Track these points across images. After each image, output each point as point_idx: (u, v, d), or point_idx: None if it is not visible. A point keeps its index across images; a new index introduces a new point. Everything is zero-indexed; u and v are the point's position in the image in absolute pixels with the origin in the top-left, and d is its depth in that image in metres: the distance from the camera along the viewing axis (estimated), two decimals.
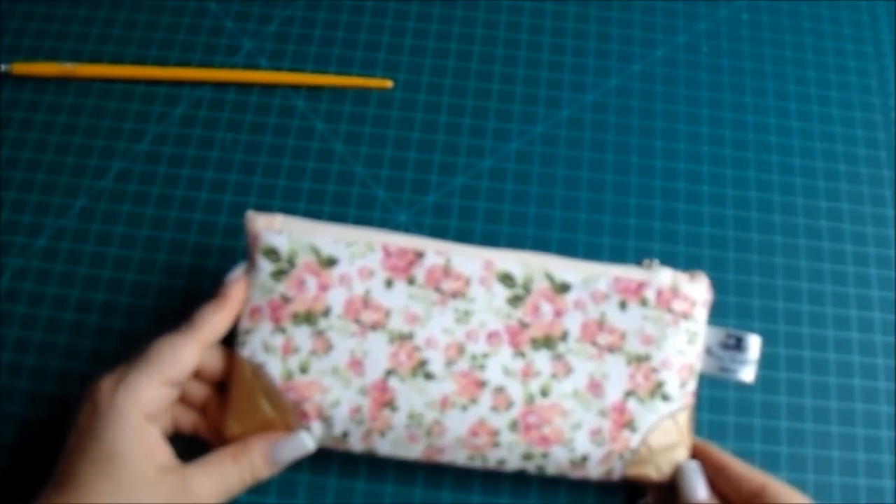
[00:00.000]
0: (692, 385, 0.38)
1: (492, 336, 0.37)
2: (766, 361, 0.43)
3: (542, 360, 0.37)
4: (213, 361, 0.37)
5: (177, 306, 0.43)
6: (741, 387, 0.43)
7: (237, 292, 0.37)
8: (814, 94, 0.50)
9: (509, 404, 0.37)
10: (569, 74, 0.50)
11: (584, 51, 0.51)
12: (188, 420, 0.38)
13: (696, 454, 0.38)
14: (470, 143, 0.48)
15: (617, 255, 0.45)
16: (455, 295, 0.38)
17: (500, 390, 0.37)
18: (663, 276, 0.38)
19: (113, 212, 0.46)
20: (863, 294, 0.45)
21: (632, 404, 0.37)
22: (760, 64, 0.51)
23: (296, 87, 0.49)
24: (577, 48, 0.51)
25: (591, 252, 0.45)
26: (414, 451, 0.37)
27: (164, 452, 0.34)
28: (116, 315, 0.43)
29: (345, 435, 0.36)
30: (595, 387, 0.37)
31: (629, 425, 0.37)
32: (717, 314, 0.44)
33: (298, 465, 0.40)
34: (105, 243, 0.45)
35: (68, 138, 0.48)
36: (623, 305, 0.38)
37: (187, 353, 0.35)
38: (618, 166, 0.48)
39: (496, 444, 0.36)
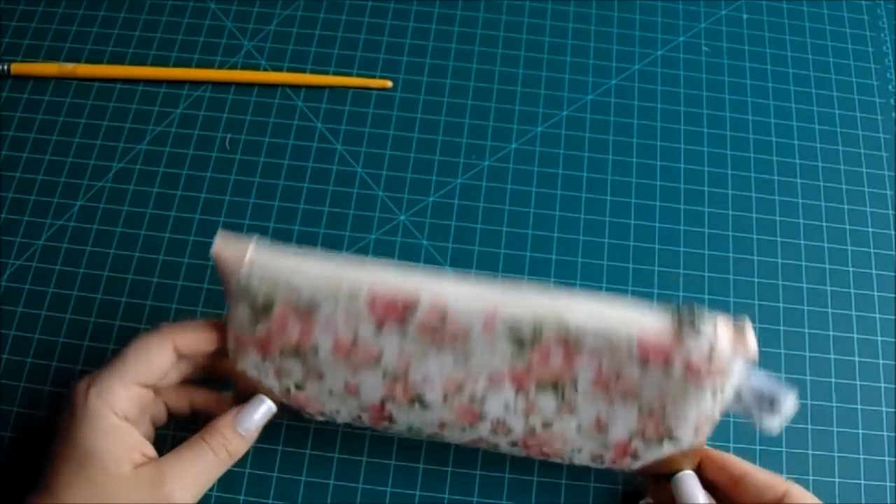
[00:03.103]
0: (708, 430, 0.35)
1: (493, 377, 0.34)
2: (766, 361, 0.43)
3: (546, 401, 0.34)
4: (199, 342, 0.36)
5: (175, 306, 0.43)
6: None
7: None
8: (814, 93, 0.50)
9: (509, 431, 0.35)
10: (569, 74, 0.50)
11: (585, 51, 0.51)
12: (198, 398, 0.37)
13: (712, 465, 0.36)
14: (470, 143, 0.48)
15: (616, 255, 0.45)
16: (453, 341, 0.33)
17: (500, 422, 0.35)
18: (701, 342, 0.32)
19: (112, 212, 0.46)
20: (863, 294, 0.45)
21: (636, 443, 0.34)
22: (761, 64, 0.51)
23: (295, 87, 0.49)
24: (577, 48, 0.51)
25: (591, 252, 0.45)
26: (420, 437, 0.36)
27: (143, 450, 0.33)
28: (115, 315, 0.43)
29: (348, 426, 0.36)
30: (600, 426, 0.34)
31: (633, 455, 0.35)
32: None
33: (298, 466, 0.40)
34: (104, 243, 0.45)
35: (68, 138, 0.47)
36: (644, 365, 0.33)
37: (161, 357, 0.34)
38: (618, 166, 0.48)
39: (497, 450, 0.37)
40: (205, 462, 0.34)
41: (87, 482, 0.32)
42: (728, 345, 0.32)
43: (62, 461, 0.32)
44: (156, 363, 0.34)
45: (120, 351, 0.34)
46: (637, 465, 0.36)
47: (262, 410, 0.36)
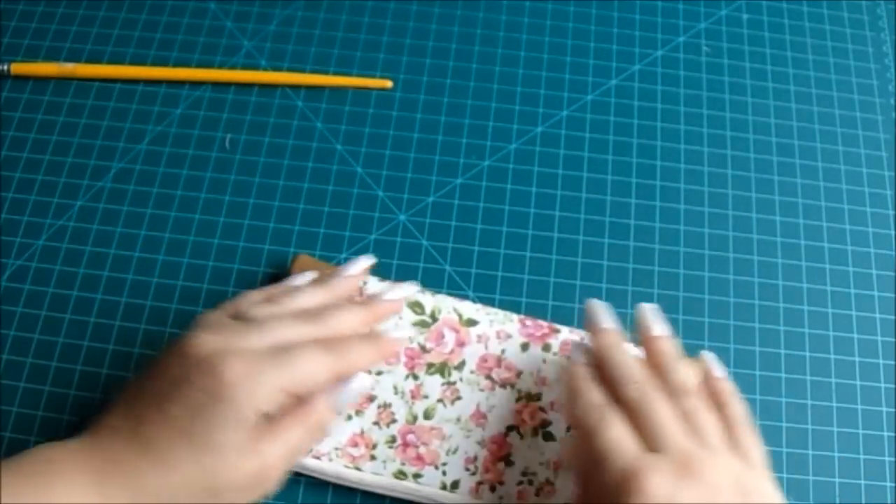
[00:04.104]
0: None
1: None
2: (766, 361, 0.43)
3: (433, 385, 0.39)
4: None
5: (175, 306, 0.43)
6: (742, 387, 0.42)
7: (392, 347, 0.36)
8: (814, 93, 0.50)
9: (392, 420, 0.38)
10: (569, 74, 0.50)
11: (585, 51, 0.51)
12: None
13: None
14: (470, 143, 0.48)
15: (616, 256, 0.45)
16: None
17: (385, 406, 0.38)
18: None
19: (112, 212, 0.46)
20: (863, 294, 0.45)
21: (511, 438, 0.38)
22: (761, 64, 0.51)
23: (295, 87, 0.49)
24: (578, 48, 0.51)
25: (591, 252, 0.45)
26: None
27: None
28: (115, 315, 0.43)
29: None
30: (479, 416, 0.39)
31: (505, 458, 0.38)
32: (718, 314, 0.44)
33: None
34: (104, 243, 0.45)
35: (67, 138, 0.47)
36: (525, 347, 0.40)
37: (323, 378, 0.33)
38: (618, 166, 0.47)
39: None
40: (298, 442, 0.34)
41: (198, 467, 0.31)
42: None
43: (180, 434, 0.31)
44: (316, 381, 0.33)
45: (288, 355, 0.33)
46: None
47: (356, 390, 0.35)
